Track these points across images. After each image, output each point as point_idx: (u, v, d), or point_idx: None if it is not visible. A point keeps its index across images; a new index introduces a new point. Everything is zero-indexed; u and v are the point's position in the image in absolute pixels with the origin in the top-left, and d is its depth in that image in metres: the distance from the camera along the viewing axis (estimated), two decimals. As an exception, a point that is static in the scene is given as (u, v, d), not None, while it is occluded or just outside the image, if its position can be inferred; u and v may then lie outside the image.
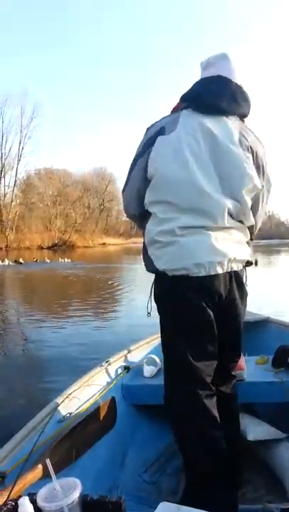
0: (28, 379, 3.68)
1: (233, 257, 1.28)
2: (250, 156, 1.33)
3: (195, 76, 1.46)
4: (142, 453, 1.83)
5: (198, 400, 1.29)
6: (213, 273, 1.25)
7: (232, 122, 1.33)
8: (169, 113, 1.43)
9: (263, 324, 2.67)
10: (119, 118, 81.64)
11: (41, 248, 41.47)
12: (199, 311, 1.26)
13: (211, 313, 1.28)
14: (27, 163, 53.29)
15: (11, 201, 44.75)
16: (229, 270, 1.28)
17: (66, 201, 49.67)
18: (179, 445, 1.40)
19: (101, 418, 1.67)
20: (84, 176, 55.45)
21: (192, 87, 1.40)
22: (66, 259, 23.02)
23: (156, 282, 1.38)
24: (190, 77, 1.50)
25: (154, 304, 1.42)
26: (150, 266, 1.35)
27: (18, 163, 44.83)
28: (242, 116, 1.39)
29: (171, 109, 1.44)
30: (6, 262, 20.60)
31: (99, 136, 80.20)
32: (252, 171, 1.33)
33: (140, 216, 1.47)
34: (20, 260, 21.94)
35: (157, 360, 2.04)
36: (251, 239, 1.45)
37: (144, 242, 1.40)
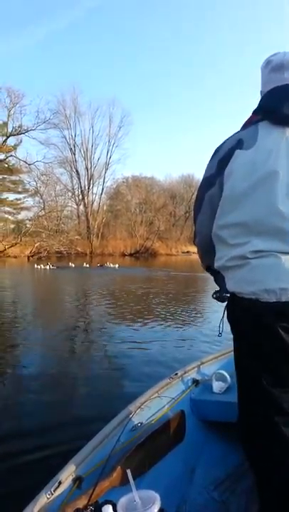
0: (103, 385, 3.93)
1: None
2: None
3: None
4: (211, 470, 1.87)
5: (275, 428, 1.26)
6: (284, 300, 1.20)
7: None
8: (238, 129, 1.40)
9: None
10: (209, 123, 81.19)
11: (124, 255, 43.04)
12: (271, 335, 1.24)
13: (287, 339, 1.24)
14: (114, 171, 55.84)
15: (98, 208, 47.41)
16: None
17: (152, 209, 50.83)
18: (250, 466, 1.41)
19: (171, 431, 1.75)
20: (171, 183, 56.39)
21: (266, 99, 1.35)
22: (112, 264, 24.83)
23: (229, 302, 1.39)
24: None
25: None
26: (223, 287, 1.39)
27: (105, 172, 47.46)
28: None
29: (243, 123, 1.39)
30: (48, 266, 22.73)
31: (188, 143, 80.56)
32: None
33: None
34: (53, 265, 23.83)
35: (227, 376, 2.08)
36: None
37: (213, 268, 1.42)
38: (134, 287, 13.51)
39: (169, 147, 79.45)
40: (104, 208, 49.53)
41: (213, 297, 1.62)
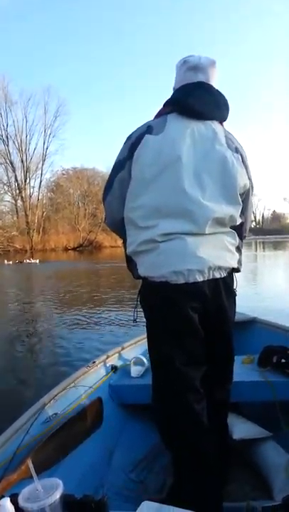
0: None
1: (215, 265, 1.32)
2: (239, 156, 1.41)
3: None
4: (129, 452, 1.94)
5: (187, 405, 1.34)
6: (192, 281, 1.29)
7: (216, 127, 1.41)
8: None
9: (250, 324, 2.79)
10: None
11: (67, 249, 42.35)
12: (181, 316, 1.32)
13: (196, 318, 1.33)
14: (52, 162, 54.39)
15: (37, 202, 46.09)
16: (211, 278, 1.32)
17: (94, 201, 50.19)
18: (166, 446, 1.48)
19: (87, 418, 1.78)
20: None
21: (177, 93, 1.45)
22: (32, 260, 24.76)
23: (141, 287, 1.44)
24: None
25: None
26: (135, 272, 1.43)
27: (43, 164, 46.20)
28: (221, 121, 1.46)
29: (155, 115, 1.47)
30: None
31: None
32: (243, 170, 1.41)
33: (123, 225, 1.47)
34: None
35: (144, 360, 2.16)
36: (241, 239, 1.51)
37: (126, 254, 1.46)
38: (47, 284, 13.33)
39: (110, 138, 79.07)
40: (44, 201, 48.36)
41: None
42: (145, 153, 1.33)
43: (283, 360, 2.02)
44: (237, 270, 1.46)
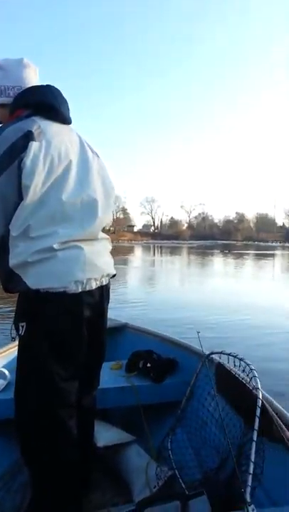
0: None
1: (105, 272, 1.35)
2: (101, 159, 1.45)
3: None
4: None
5: (60, 421, 1.30)
6: (88, 289, 1.28)
7: (75, 131, 1.41)
8: None
9: (120, 330, 2.85)
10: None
11: None
12: (75, 329, 1.28)
13: (85, 330, 1.30)
14: None
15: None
16: (100, 285, 1.34)
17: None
18: (27, 462, 1.39)
19: None
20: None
21: (37, 95, 1.32)
22: None
23: (26, 301, 1.29)
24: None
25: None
26: (16, 285, 1.25)
27: None
28: None
29: (14, 117, 1.30)
30: None
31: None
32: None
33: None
34: None
35: (7, 373, 2.05)
36: None
37: (4, 268, 1.26)
38: None
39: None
40: None
41: None
42: (35, 162, 1.18)
43: (149, 365, 2.09)
44: (114, 276, 1.48)
